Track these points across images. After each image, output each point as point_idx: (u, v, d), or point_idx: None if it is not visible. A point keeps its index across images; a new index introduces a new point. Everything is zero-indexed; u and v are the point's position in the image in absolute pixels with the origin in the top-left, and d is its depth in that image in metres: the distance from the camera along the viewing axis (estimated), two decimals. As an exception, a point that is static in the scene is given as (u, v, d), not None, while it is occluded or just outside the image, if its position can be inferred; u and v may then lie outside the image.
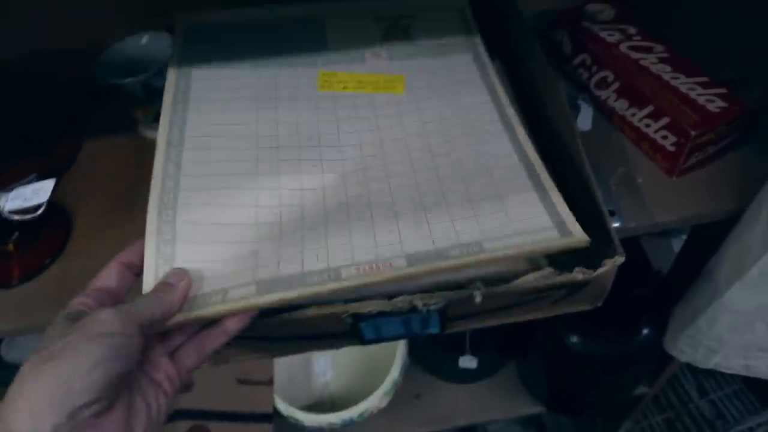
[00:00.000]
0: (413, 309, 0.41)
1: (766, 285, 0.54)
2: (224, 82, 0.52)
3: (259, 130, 0.48)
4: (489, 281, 0.41)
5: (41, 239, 0.58)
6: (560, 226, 0.42)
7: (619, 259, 0.41)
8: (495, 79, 0.54)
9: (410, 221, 0.43)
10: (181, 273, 0.39)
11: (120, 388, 0.33)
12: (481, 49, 0.56)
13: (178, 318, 0.37)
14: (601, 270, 0.40)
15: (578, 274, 0.40)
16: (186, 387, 0.86)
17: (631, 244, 0.77)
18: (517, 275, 0.41)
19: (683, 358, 0.69)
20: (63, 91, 0.72)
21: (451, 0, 0.60)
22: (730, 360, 0.64)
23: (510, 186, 0.45)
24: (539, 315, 0.47)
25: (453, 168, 0.47)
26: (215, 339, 0.39)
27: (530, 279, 0.40)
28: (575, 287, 0.43)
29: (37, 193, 0.48)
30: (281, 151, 0.47)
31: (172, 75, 0.52)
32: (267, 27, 0.56)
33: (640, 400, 1.07)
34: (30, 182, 0.50)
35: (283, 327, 0.42)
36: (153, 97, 0.64)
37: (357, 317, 0.42)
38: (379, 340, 0.48)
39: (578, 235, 0.42)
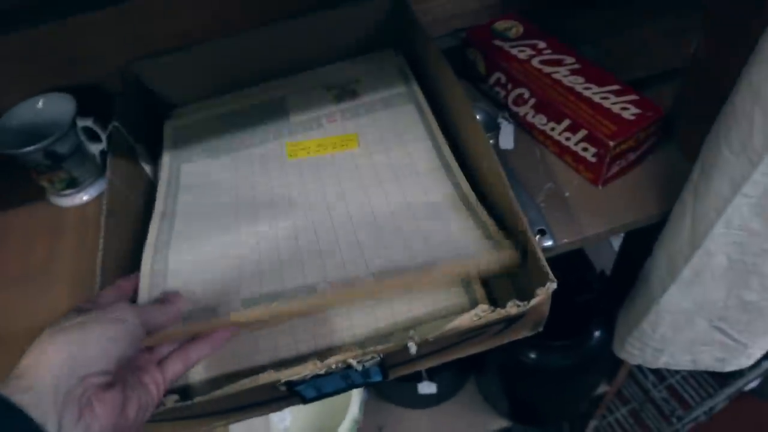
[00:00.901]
0: (349, 367, 0.39)
1: (699, 283, 0.55)
2: (208, 171, 0.60)
3: (238, 200, 0.56)
4: (424, 321, 0.44)
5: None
6: (497, 247, 0.46)
7: (552, 286, 0.40)
8: (433, 123, 0.59)
9: (375, 256, 0.48)
10: (177, 294, 0.46)
11: (122, 372, 0.37)
12: (420, 96, 0.62)
13: (171, 329, 0.43)
14: (534, 301, 0.39)
15: (512, 308, 0.39)
16: None
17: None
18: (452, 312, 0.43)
19: (632, 361, 0.69)
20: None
21: (390, 60, 0.67)
22: (677, 357, 0.64)
23: (455, 223, 0.50)
24: (482, 348, 0.47)
25: (404, 207, 0.52)
26: (200, 350, 0.43)
27: (465, 320, 0.39)
28: (512, 319, 0.42)
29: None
30: (260, 212, 0.54)
31: (165, 174, 0.60)
32: (239, 116, 0.65)
33: (602, 398, 1.08)
34: None
35: (223, 401, 0.42)
36: (59, 163, 0.60)
37: (291, 383, 0.40)
38: (321, 397, 0.46)
39: (511, 254, 0.45)
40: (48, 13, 0.60)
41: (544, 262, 0.41)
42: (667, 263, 0.56)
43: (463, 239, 0.48)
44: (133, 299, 0.46)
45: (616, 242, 0.94)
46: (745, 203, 0.46)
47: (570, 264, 0.85)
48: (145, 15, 0.63)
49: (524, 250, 0.44)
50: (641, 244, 0.64)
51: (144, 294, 0.47)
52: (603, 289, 0.83)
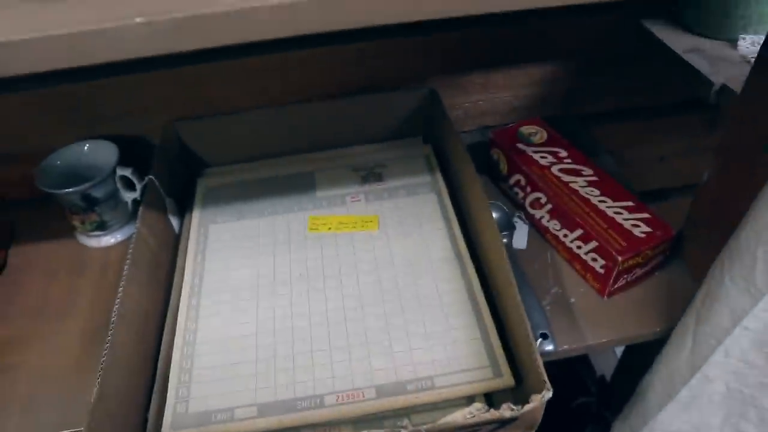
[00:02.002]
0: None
1: (696, 407, 0.55)
2: (233, 234, 0.63)
3: (259, 272, 0.58)
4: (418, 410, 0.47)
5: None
6: (494, 366, 0.48)
7: (547, 395, 0.41)
8: (452, 215, 0.62)
9: (379, 352, 0.50)
10: None
11: None
12: (443, 187, 0.65)
13: None
14: (528, 407, 0.40)
15: (506, 411, 0.40)
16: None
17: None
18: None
19: (625, 475, 0.68)
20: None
21: (418, 149, 0.71)
22: (671, 478, 0.63)
23: (458, 320, 0.52)
24: (472, 446, 0.47)
25: (414, 299, 0.55)
26: None
27: (458, 417, 0.40)
28: (505, 421, 0.43)
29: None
30: (276, 286, 0.57)
31: (194, 232, 0.63)
32: (268, 183, 0.68)
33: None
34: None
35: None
36: (93, 206, 0.64)
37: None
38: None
39: (507, 378, 0.47)
40: (106, 69, 0.65)
41: (542, 370, 0.42)
42: (666, 382, 0.56)
43: (464, 352, 0.50)
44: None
45: (620, 348, 0.94)
46: (744, 335, 0.47)
47: (570, 365, 0.85)
48: (194, 79, 0.68)
49: (525, 353, 0.45)
50: (642, 355, 0.64)
51: (174, 377, 0.50)
52: (601, 395, 0.82)
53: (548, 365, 0.47)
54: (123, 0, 0.28)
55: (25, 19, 0.28)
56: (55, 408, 0.52)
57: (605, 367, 0.91)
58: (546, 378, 0.41)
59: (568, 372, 0.86)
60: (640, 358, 0.65)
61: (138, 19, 0.27)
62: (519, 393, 0.47)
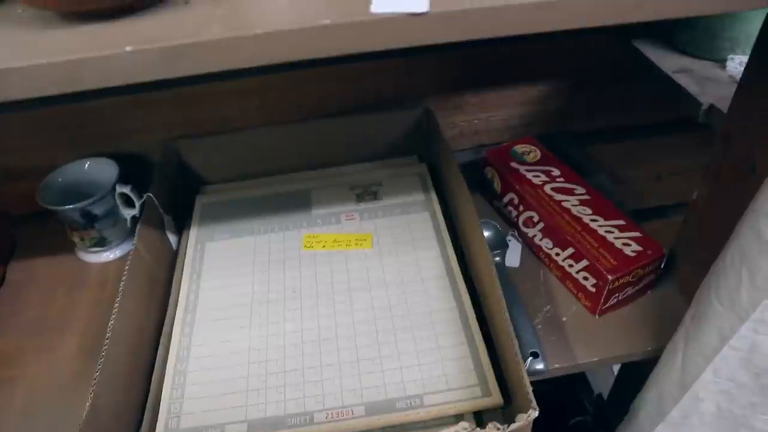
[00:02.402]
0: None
1: (688, 426, 0.55)
2: (229, 251, 0.64)
3: (254, 290, 0.59)
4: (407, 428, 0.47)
5: (-45, 370, 0.56)
6: (483, 385, 0.49)
7: (533, 414, 0.41)
8: (445, 233, 0.63)
9: (369, 370, 0.51)
10: None
11: None
12: (436, 206, 0.66)
13: None
14: (514, 426, 0.41)
15: (492, 430, 0.41)
16: None
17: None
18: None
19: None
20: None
21: (413, 167, 0.72)
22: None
23: (448, 339, 0.53)
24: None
25: (405, 318, 0.55)
26: None
27: (444, 436, 0.40)
28: (492, 439, 0.43)
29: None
30: (270, 304, 0.58)
31: (191, 249, 0.64)
32: (265, 201, 0.69)
33: None
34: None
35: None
36: (92, 222, 0.65)
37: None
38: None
39: (495, 397, 0.47)
40: (107, 89, 0.66)
41: (529, 389, 0.42)
42: (657, 401, 0.56)
43: (454, 371, 0.50)
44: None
45: (617, 366, 0.94)
46: (732, 355, 0.47)
47: (568, 384, 0.85)
48: (193, 99, 0.69)
49: (514, 371, 0.46)
50: (638, 374, 0.64)
51: (166, 394, 0.51)
52: (597, 414, 0.82)
53: (544, 384, 0.48)
54: (114, 30, 0.30)
55: (25, 48, 0.30)
56: (49, 422, 0.52)
57: (603, 385, 0.91)
58: (532, 397, 0.42)
59: (566, 390, 0.86)
60: (636, 377, 0.65)
61: (128, 48, 0.28)
62: (508, 412, 0.48)
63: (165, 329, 0.57)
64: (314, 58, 0.29)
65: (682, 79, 0.59)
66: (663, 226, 0.66)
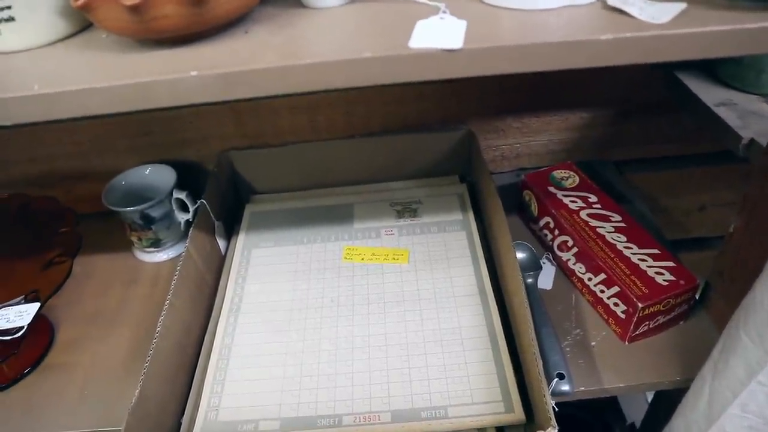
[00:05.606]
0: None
1: (715, 460, 0.54)
2: (274, 259, 0.68)
3: (294, 296, 0.63)
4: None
5: (21, 351, 0.61)
6: (507, 401, 0.50)
7: (552, 432, 0.42)
8: (479, 253, 0.65)
9: (398, 379, 0.53)
10: None
11: None
12: (473, 226, 0.69)
13: None
14: (533, 442, 0.42)
15: (510, 447, 0.42)
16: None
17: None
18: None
19: None
20: (64, 214, 0.78)
21: (453, 187, 0.75)
22: None
23: (475, 355, 0.55)
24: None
25: (435, 332, 0.57)
26: None
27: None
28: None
29: (20, 315, 0.52)
30: (308, 311, 0.61)
31: (237, 255, 0.69)
32: (309, 212, 0.74)
33: None
34: (17, 303, 0.54)
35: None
36: (150, 224, 0.70)
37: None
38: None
39: (518, 414, 0.49)
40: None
41: (550, 408, 0.44)
42: (684, 432, 0.56)
43: (479, 386, 0.52)
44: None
45: (651, 395, 0.93)
46: (760, 390, 0.47)
47: (599, 409, 0.85)
48: (248, 113, 0.74)
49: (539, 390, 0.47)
50: (671, 404, 0.64)
51: (207, 390, 0.54)
52: (629, 443, 0.81)
53: (572, 406, 0.49)
54: (182, 56, 0.33)
55: (106, 70, 0.34)
56: (102, 406, 0.57)
57: (637, 414, 0.90)
58: (552, 416, 0.43)
59: (596, 416, 0.85)
60: (669, 408, 0.65)
61: (193, 72, 0.32)
62: (530, 430, 0.49)
63: (210, 328, 0.61)
64: (356, 87, 0.32)
65: (723, 112, 0.59)
66: (703, 257, 0.66)
